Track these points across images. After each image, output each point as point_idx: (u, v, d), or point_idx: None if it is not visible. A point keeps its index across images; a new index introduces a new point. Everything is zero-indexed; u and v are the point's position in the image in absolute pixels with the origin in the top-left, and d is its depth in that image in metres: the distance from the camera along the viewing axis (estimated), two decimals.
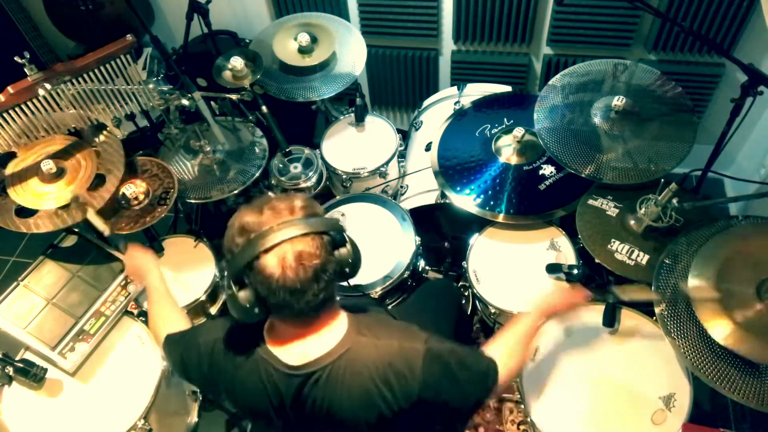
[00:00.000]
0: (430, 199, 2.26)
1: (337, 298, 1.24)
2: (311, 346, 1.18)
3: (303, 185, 2.43)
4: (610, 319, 1.76)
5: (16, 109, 1.78)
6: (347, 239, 1.19)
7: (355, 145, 2.54)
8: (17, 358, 1.83)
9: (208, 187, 2.29)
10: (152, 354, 1.93)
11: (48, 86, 1.80)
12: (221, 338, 1.28)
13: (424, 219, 2.26)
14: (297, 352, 1.18)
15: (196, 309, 2.13)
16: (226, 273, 1.18)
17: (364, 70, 2.94)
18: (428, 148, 2.35)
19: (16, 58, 1.78)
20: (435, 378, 1.18)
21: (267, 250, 1.07)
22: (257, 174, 2.33)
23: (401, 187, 2.49)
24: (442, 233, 2.53)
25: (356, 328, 1.21)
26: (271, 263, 1.07)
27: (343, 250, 1.17)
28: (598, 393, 1.68)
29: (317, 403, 1.18)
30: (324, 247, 1.12)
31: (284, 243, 1.07)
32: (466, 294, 2.20)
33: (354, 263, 1.19)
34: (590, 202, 1.96)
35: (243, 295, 1.12)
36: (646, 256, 1.81)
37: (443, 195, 2.18)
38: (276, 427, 1.27)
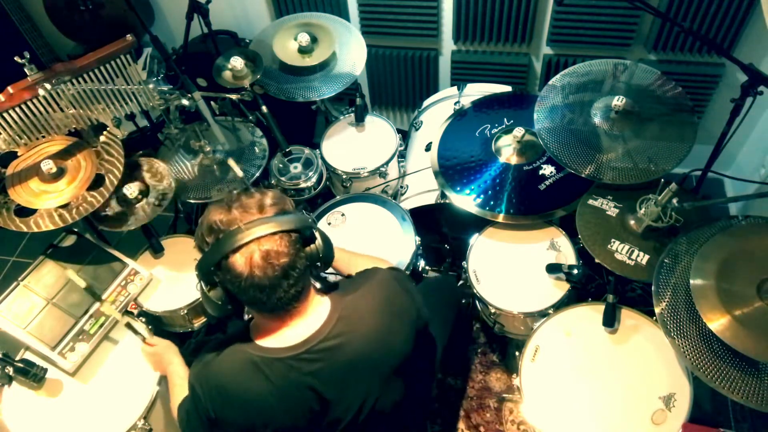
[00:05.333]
0: (430, 199, 2.26)
1: (318, 286, 1.27)
2: (302, 328, 1.19)
3: (303, 185, 2.42)
4: (610, 319, 1.76)
5: (16, 109, 1.78)
6: (317, 235, 1.21)
7: (355, 145, 2.54)
8: (17, 358, 1.83)
9: (208, 187, 2.29)
10: None
11: (48, 86, 1.80)
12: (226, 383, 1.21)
13: (424, 219, 2.26)
14: (289, 336, 1.19)
15: (196, 309, 2.13)
16: (197, 273, 1.19)
17: (364, 70, 2.93)
18: (428, 148, 2.35)
19: (16, 58, 1.78)
20: (406, 283, 1.34)
21: (234, 251, 1.08)
22: (257, 174, 2.33)
23: (401, 187, 2.49)
24: (442, 233, 2.53)
25: (337, 295, 1.25)
26: (239, 263, 1.09)
27: (313, 246, 1.19)
28: (598, 393, 1.68)
29: (340, 364, 1.18)
30: (293, 245, 1.13)
31: (252, 243, 1.09)
32: (468, 293, 2.20)
33: (325, 256, 1.23)
34: (590, 202, 1.96)
35: (214, 293, 1.16)
36: (646, 256, 1.81)
37: (443, 195, 2.18)
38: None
